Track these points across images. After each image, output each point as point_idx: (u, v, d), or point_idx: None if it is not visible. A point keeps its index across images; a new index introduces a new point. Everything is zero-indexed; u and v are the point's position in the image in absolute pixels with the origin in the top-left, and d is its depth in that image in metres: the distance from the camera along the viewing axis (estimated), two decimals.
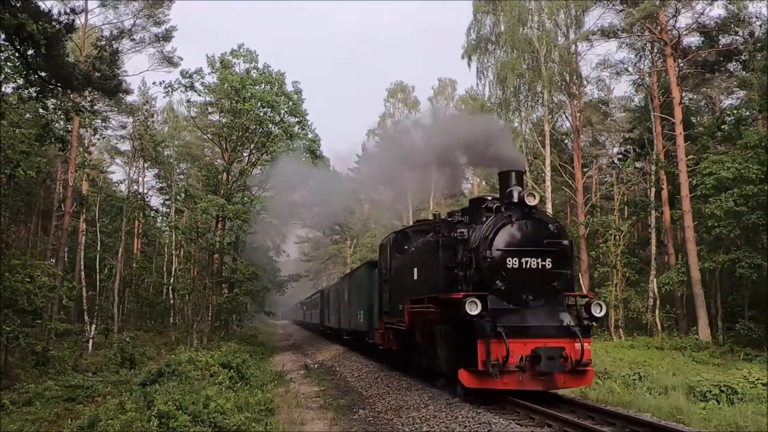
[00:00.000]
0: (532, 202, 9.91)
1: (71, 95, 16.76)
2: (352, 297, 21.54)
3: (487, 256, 9.64)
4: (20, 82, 14.63)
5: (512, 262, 9.64)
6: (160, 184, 39.01)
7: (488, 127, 12.63)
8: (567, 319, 9.71)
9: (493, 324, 8.98)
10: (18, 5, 11.53)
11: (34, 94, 14.55)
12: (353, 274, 22.70)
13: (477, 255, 9.89)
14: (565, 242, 10.05)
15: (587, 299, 10.45)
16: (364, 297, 18.25)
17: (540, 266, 9.72)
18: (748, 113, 23.20)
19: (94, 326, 22.13)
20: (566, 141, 31.50)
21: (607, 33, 25.16)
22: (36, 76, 13.64)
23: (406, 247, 13.91)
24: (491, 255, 9.64)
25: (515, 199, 10.06)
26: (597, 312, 10.02)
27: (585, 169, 31.00)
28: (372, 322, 17.11)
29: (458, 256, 10.34)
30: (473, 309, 9.01)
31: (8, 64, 13.66)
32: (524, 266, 9.67)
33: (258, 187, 28.52)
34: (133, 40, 24.97)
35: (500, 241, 9.71)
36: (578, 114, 28.58)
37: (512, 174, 10.53)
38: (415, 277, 12.06)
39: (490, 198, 11.12)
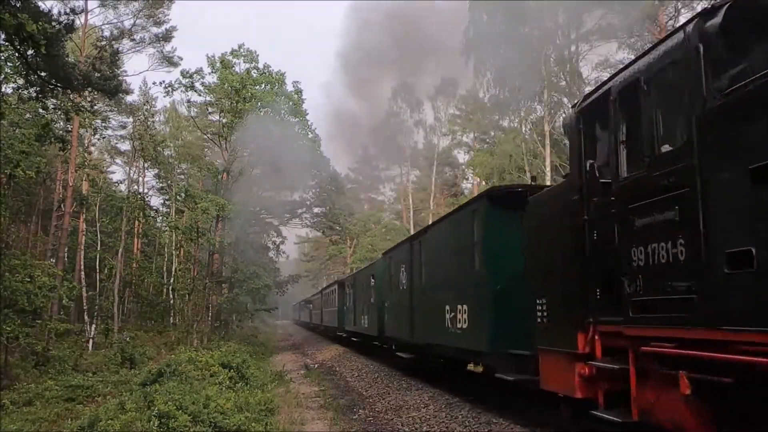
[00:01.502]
0: None
1: (71, 95, 16.77)
2: (426, 278, 12.42)
3: None
4: (20, 82, 14.67)
5: None
6: (160, 184, 39.07)
7: None
8: None
9: None
10: (18, 5, 11.54)
11: (34, 94, 14.56)
12: (431, 231, 12.59)
13: None
14: None
15: None
16: (475, 273, 9.24)
17: None
18: None
19: (94, 326, 22.16)
20: (566, 141, 31.37)
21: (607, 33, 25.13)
22: (36, 76, 13.64)
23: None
24: None
25: None
26: None
27: None
28: (523, 332, 7.31)
29: None
30: None
31: (8, 64, 13.67)
32: None
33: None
34: (133, 40, 25.10)
35: None
36: None
37: None
38: None
39: None
